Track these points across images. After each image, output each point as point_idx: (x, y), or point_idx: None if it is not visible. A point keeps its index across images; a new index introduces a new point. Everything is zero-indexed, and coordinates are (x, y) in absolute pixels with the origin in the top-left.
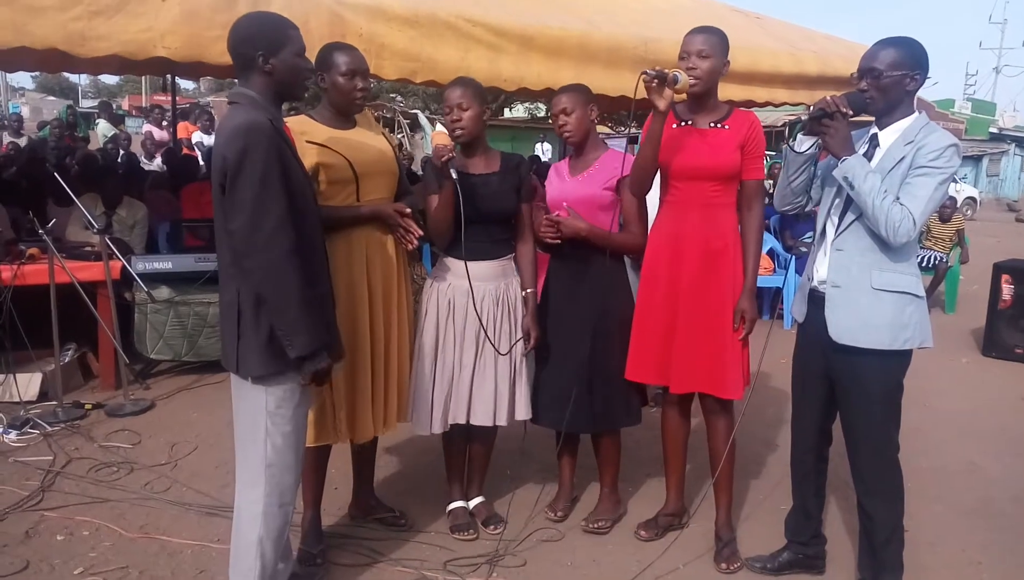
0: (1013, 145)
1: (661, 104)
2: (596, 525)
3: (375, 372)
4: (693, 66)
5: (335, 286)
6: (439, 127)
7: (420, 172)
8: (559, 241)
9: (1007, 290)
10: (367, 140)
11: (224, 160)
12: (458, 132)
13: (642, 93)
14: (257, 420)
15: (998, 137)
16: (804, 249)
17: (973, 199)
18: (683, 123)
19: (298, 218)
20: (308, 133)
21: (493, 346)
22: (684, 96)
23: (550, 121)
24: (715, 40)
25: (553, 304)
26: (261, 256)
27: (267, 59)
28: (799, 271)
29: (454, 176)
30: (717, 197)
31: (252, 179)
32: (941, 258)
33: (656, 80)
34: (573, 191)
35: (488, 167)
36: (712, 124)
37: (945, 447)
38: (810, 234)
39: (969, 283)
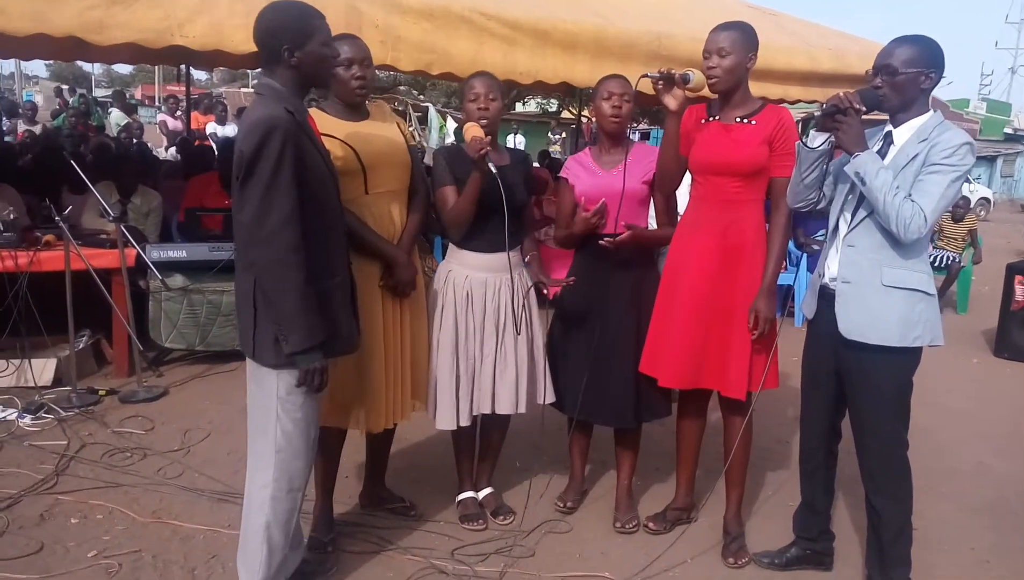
0: None
1: (672, 104)
2: (632, 525)
3: (389, 363)
4: (714, 65)
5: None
6: (443, 122)
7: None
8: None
9: (1020, 291)
10: (377, 131)
11: (240, 153)
12: (484, 121)
13: (650, 91)
14: (268, 405)
15: (1013, 138)
16: (816, 247)
17: (987, 200)
18: (711, 118)
19: (315, 209)
20: (319, 126)
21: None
22: (707, 93)
23: (566, 112)
24: (736, 35)
25: (589, 299)
26: (263, 249)
27: (292, 52)
28: (811, 269)
29: (493, 170)
30: (739, 193)
31: (263, 174)
32: (954, 258)
33: (662, 81)
34: (610, 185)
35: (501, 160)
36: (738, 119)
37: (955, 446)
38: (823, 232)
39: (981, 284)
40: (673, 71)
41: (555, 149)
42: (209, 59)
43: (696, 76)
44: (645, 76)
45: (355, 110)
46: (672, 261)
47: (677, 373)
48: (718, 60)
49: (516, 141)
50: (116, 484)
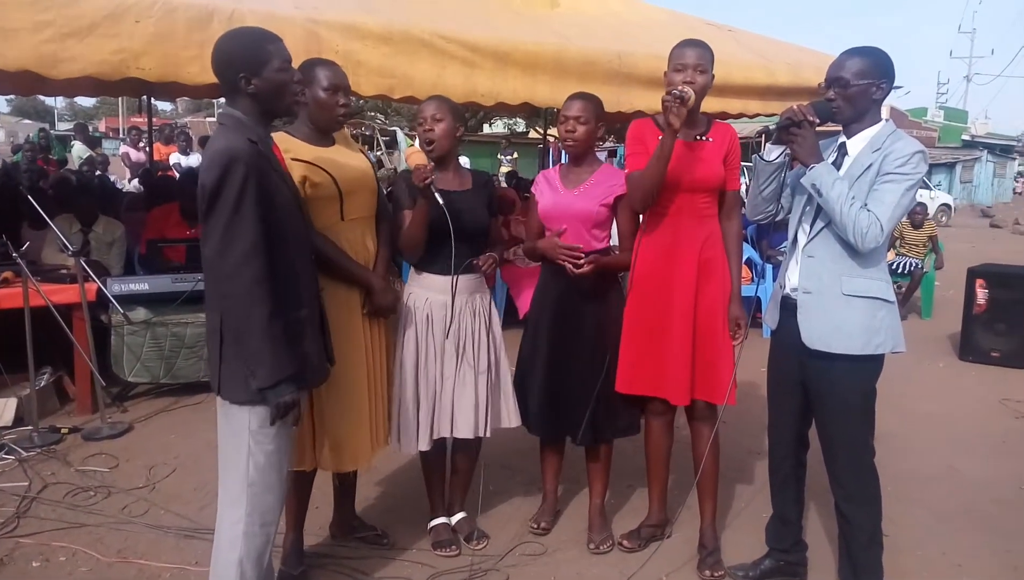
0: (985, 152)
1: (677, 123)
2: (607, 546)
3: (370, 391)
4: (691, 80)
5: (332, 310)
6: (411, 143)
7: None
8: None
9: (981, 294)
10: (347, 158)
11: (202, 186)
12: (430, 144)
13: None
14: (240, 440)
15: (971, 144)
16: (781, 258)
17: (948, 205)
18: None
19: (279, 241)
20: (292, 151)
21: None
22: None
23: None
24: (708, 55)
25: (554, 317)
26: (227, 284)
27: (249, 80)
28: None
29: (440, 201)
30: (707, 208)
31: (225, 206)
32: (916, 264)
33: (678, 101)
34: (570, 205)
35: (462, 184)
36: (697, 137)
37: (925, 451)
38: (787, 243)
39: (945, 288)
40: (682, 91)
41: (506, 170)
42: (170, 90)
43: (691, 94)
44: (668, 95)
45: (324, 136)
46: (651, 278)
47: (684, 390)
48: (695, 75)
49: (464, 164)
50: (80, 524)
